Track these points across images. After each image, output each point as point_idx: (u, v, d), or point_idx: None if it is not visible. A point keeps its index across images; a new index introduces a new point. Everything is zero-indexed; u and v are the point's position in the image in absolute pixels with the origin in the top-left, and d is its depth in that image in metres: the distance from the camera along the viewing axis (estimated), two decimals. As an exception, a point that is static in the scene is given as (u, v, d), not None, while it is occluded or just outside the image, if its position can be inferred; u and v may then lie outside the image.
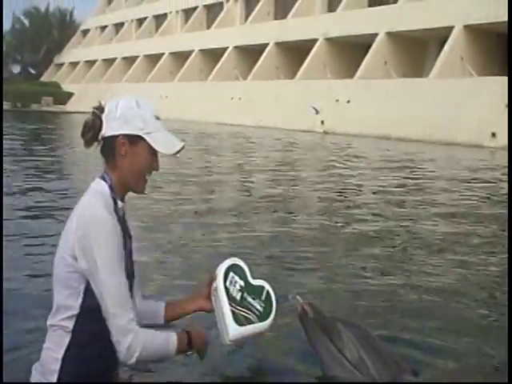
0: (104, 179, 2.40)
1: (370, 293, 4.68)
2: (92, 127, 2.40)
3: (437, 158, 21.07)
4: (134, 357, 2.22)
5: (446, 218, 8.41)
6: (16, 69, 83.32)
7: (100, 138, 2.40)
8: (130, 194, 2.51)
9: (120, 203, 2.41)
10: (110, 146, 2.38)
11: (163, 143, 2.39)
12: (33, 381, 2.39)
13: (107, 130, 2.37)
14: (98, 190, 2.36)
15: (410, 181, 13.14)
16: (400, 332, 3.72)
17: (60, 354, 2.33)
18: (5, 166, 10.96)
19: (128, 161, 2.37)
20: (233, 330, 2.50)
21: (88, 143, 2.42)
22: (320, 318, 2.78)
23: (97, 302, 2.29)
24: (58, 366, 2.33)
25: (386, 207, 9.34)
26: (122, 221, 2.40)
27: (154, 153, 2.39)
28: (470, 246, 6.55)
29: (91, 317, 2.31)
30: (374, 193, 10.97)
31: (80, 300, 2.31)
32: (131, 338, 2.21)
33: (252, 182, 12.33)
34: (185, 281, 4.63)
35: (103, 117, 2.39)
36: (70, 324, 2.33)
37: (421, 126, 28.78)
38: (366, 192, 11.34)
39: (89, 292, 2.29)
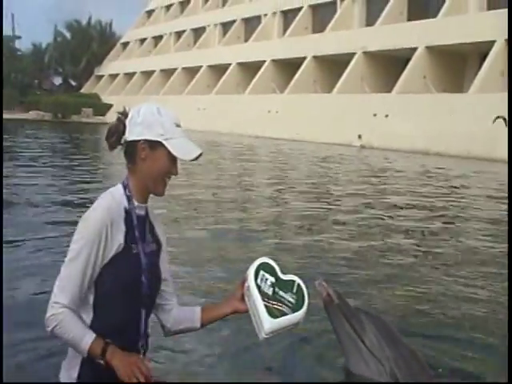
0: (124, 181, 2.55)
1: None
2: (116, 131, 2.53)
3: (472, 174, 20.78)
4: (49, 329, 2.37)
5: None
6: (57, 80, 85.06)
7: (123, 141, 2.52)
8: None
9: (136, 203, 2.51)
10: (131, 150, 2.49)
11: (181, 149, 2.47)
12: (61, 378, 2.50)
13: (129, 135, 2.49)
14: (111, 190, 2.51)
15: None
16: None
17: (79, 360, 2.44)
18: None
19: (147, 164, 2.47)
20: (267, 323, 2.56)
21: (111, 146, 2.55)
22: (344, 305, 2.88)
23: (107, 292, 2.43)
24: (79, 361, 2.43)
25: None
26: (138, 220, 2.51)
27: (173, 158, 2.48)
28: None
29: (105, 308, 2.45)
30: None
31: (93, 290, 2.45)
32: (49, 314, 2.35)
33: (286, 197, 12.33)
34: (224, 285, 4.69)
35: (127, 122, 2.51)
36: (88, 318, 2.44)
37: (461, 141, 28.43)
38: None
39: (99, 283, 2.43)
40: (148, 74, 70.23)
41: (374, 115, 34.89)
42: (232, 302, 2.70)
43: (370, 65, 41.10)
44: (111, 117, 62.99)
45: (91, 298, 2.44)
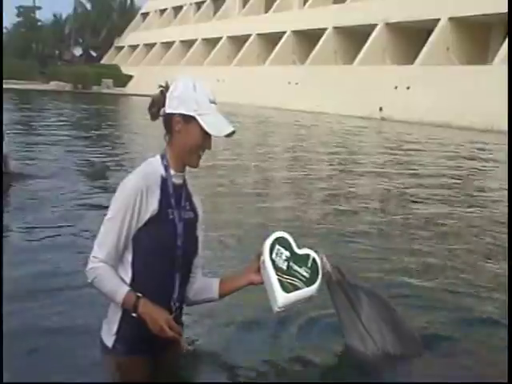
0: (162, 151, 2.70)
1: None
2: (157, 103, 2.66)
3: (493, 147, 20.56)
4: (89, 281, 2.57)
5: None
6: (78, 51, 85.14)
7: (162, 113, 2.65)
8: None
9: (173, 172, 2.65)
10: (168, 122, 2.63)
11: (213, 125, 2.57)
12: (102, 333, 2.67)
13: (167, 107, 2.61)
14: (149, 160, 2.68)
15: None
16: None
17: (119, 314, 2.61)
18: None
19: (182, 137, 2.60)
20: (281, 298, 2.63)
21: (153, 117, 2.70)
22: (344, 282, 2.91)
23: (144, 253, 2.59)
24: (118, 316, 2.61)
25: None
26: (174, 188, 2.65)
27: (206, 133, 2.58)
28: None
29: (142, 268, 2.60)
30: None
31: (131, 250, 2.61)
32: (89, 268, 2.55)
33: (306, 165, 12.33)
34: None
35: (167, 95, 2.63)
36: (127, 275, 2.61)
37: (484, 114, 28.09)
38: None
39: (136, 243, 2.59)
40: (168, 45, 70.01)
41: (396, 87, 34.55)
42: (248, 274, 2.79)
43: (391, 36, 40.60)
44: (131, 88, 63.14)
45: (130, 257, 2.60)
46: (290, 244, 2.74)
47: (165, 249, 2.60)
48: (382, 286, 3.97)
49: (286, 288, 2.64)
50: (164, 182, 2.62)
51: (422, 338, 3.14)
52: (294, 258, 2.71)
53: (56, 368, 2.83)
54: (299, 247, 2.76)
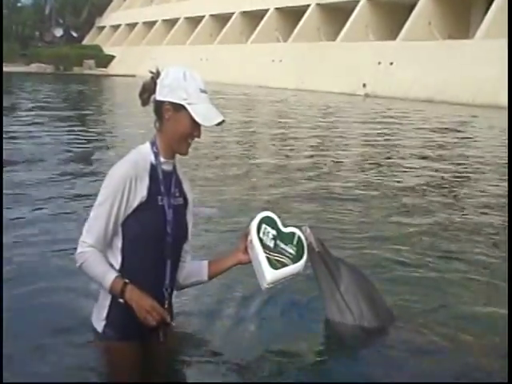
0: (152, 138, 2.72)
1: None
2: (148, 89, 2.66)
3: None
4: (77, 265, 2.59)
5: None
6: (59, 32, 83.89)
7: (152, 100, 2.65)
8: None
9: (163, 159, 2.66)
10: (158, 110, 2.63)
11: (203, 115, 2.57)
12: (92, 319, 2.71)
13: (158, 95, 2.61)
14: (139, 146, 2.69)
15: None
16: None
17: (108, 300, 2.63)
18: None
19: (171, 125, 2.61)
20: (269, 274, 2.70)
21: (143, 103, 2.69)
22: (325, 253, 3.05)
23: (133, 239, 2.61)
24: (108, 302, 2.63)
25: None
26: (164, 175, 2.66)
27: (195, 122, 2.57)
28: None
29: (131, 254, 2.62)
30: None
31: (121, 236, 2.63)
32: (78, 252, 2.58)
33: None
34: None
35: (158, 81, 2.63)
36: (117, 262, 2.63)
37: (466, 88, 28.15)
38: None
39: (126, 229, 2.61)
40: (150, 25, 69.31)
41: (379, 63, 34.50)
42: (236, 254, 2.85)
43: (374, 12, 40.45)
44: (113, 68, 62.50)
45: (119, 243, 2.62)
46: (275, 223, 2.81)
47: (154, 235, 2.62)
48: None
49: (274, 265, 2.71)
50: (153, 168, 2.64)
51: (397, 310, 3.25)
52: (281, 236, 2.79)
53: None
54: (285, 226, 2.83)
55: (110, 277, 2.52)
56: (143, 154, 2.65)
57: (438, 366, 2.96)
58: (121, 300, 2.51)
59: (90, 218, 2.60)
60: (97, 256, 2.56)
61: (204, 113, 2.57)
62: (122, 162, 2.62)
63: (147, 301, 2.50)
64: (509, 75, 23.59)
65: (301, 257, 2.79)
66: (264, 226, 2.78)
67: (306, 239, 2.88)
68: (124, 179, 2.54)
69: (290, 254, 2.76)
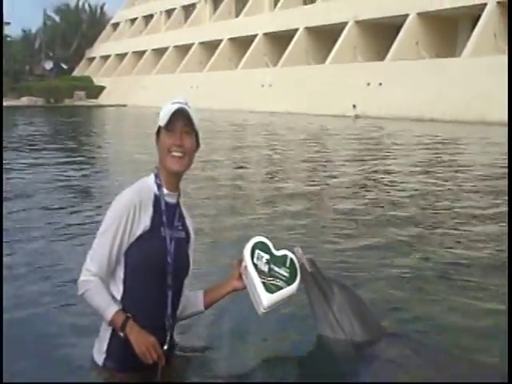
0: (156, 170, 2.77)
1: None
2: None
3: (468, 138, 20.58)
4: (79, 294, 2.60)
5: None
6: (49, 65, 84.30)
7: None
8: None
9: (166, 190, 2.69)
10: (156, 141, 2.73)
11: (162, 117, 2.62)
12: (94, 351, 2.72)
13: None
14: (144, 178, 2.74)
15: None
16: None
17: (108, 333, 2.63)
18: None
19: (159, 149, 2.69)
20: (266, 299, 2.74)
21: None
22: (317, 274, 3.06)
23: (135, 268, 2.61)
24: (108, 334, 2.63)
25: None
26: (167, 207, 2.68)
27: (168, 131, 2.62)
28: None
29: (133, 284, 2.62)
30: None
31: (123, 265, 2.64)
32: (81, 280, 2.59)
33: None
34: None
35: None
36: (119, 292, 2.63)
37: (455, 106, 28.16)
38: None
39: (128, 258, 2.62)
40: (140, 54, 69.70)
41: (368, 84, 34.59)
42: (231, 281, 2.86)
43: (362, 34, 40.71)
44: (104, 99, 62.88)
45: (121, 273, 2.62)
46: (268, 247, 2.85)
47: (156, 265, 2.62)
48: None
49: (270, 289, 2.75)
50: (157, 199, 2.66)
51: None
52: (274, 259, 2.83)
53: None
54: (276, 249, 2.87)
55: (111, 310, 2.52)
56: (147, 184, 2.69)
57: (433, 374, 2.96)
58: (121, 334, 2.52)
59: (93, 246, 2.62)
60: (99, 286, 2.56)
61: (163, 114, 2.61)
62: (126, 190, 2.66)
63: (147, 338, 2.51)
64: (509, 89, 23.58)
65: (294, 278, 2.84)
66: (257, 251, 2.81)
67: (298, 260, 2.92)
68: (128, 207, 2.57)
69: (284, 276, 2.80)
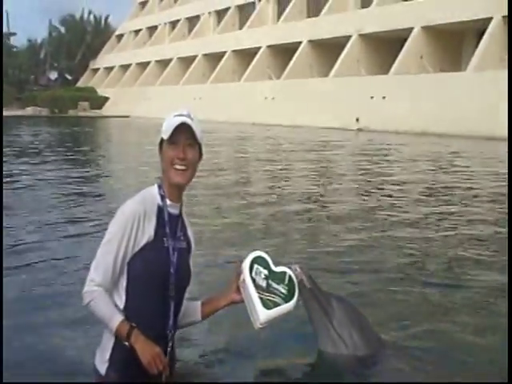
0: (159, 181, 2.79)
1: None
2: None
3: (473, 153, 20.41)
4: (84, 304, 2.60)
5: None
6: (53, 75, 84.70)
7: None
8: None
9: (169, 201, 2.71)
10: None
11: (165, 130, 2.64)
12: (96, 360, 2.71)
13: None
14: (148, 188, 2.75)
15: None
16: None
17: (111, 342, 2.64)
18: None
19: (162, 161, 2.70)
20: (262, 314, 2.76)
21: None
22: (316, 289, 3.12)
23: (138, 278, 2.62)
24: (111, 344, 2.63)
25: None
26: (170, 217, 2.70)
27: (171, 144, 2.64)
28: None
29: (136, 293, 2.63)
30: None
31: (125, 275, 2.65)
32: (85, 290, 2.59)
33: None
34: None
35: None
36: (121, 301, 2.64)
37: (459, 120, 28.01)
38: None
39: (131, 268, 2.63)
40: (143, 66, 69.82)
41: (371, 98, 34.47)
42: (228, 294, 2.90)
43: (365, 47, 40.63)
44: (107, 109, 63.14)
45: (124, 283, 2.64)
46: (267, 262, 2.87)
47: (158, 276, 2.64)
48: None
49: (267, 305, 2.77)
50: (160, 210, 2.69)
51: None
52: (272, 275, 2.85)
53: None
54: (276, 265, 2.90)
55: (116, 319, 2.53)
56: (151, 195, 2.71)
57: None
58: (126, 343, 2.52)
59: (97, 256, 2.63)
60: (104, 297, 2.57)
61: (166, 127, 2.62)
62: (131, 200, 2.68)
63: (153, 347, 2.53)
64: (509, 102, 23.43)
65: (292, 296, 2.85)
66: (256, 266, 2.83)
67: (297, 277, 2.93)
68: (133, 217, 2.59)
69: (282, 293, 2.82)
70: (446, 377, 3.15)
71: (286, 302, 2.82)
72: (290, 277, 2.89)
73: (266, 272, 2.83)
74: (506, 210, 7.33)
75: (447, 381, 3.09)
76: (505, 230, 6.99)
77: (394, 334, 3.68)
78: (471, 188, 11.21)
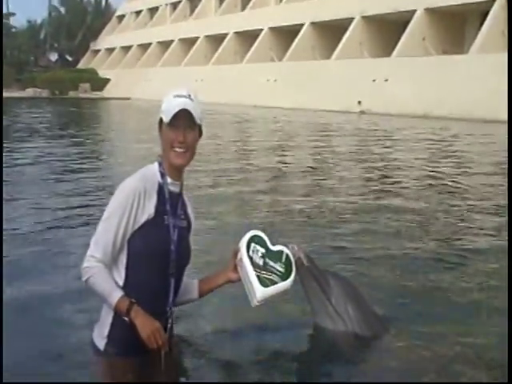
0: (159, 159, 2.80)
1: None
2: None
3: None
4: (83, 280, 2.61)
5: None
6: (54, 56, 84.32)
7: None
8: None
9: (169, 179, 2.72)
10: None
11: (165, 112, 2.65)
12: (94, 336, 2.75)
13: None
14: (148, 166, 2.77)
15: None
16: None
17: (110, 318, 2.66)
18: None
19: (161, 141, 2.73)
20: (259, 292, 2.78)
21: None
22: (313, 267, 3.15)
23: (138, 255, 2.64)
24: (110, 320, 2.66)
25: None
26: (170, 195, 2.72)
27: (172, 127, 2.65)
28: None
29: (136, 270, 2.65)
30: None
31: (126, 252, 2.66)
32: (84, 266, 2.60)
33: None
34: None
35: None
36: (121, 278, 2.65)
37: (462, 103, 27.95)
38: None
39: (131, 245, 2.64)
40: (145, 47, 69.49)
41: (374, 80, 34.36)
42: (226, 272, 2.93)
43: (368, 29, 40.41)
44: (108, 91, 62.86)
45: (124, 259, 2.65)
46: (264, 241, 2.89)
47: (159, 253, 2.66)
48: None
49: (264, 283, 2.79)
50: (161, 188, 2.70)
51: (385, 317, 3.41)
52: (270, 254, 2.87)
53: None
54: (273, 244, 2.92)
55: (116, 295, 2.55)
56: (151, 172, 2.73)
57: (432, 365, 3.02)
58: (125, 319, 2.54)
59: (97, 232, 2.64)
60: (103, 273, 2.58)
61: (167, 110, 2.63)
62: (131, 177, 2.69)
63: (152, 323, 2.54)
64: (509, 88, 23.34)
65: (289, 274, 2.87)
66: (253, 244, 2.85)
67: (295, 255, 2.96)
68: (133, 194, 2.60)
69: (279, 271, 2.84)
70: (444, 355, 3.16)
71: (283, 280, 2.84)
72: (287, 255, 2.91)
73: (263, 250, 2.86)
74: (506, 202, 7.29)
75: (446, 361, 3.09)
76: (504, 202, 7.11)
77: (391, 311, 3.69)
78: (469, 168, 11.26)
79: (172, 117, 2.62)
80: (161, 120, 2.69)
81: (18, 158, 11.15)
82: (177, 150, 2.66)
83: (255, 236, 2.90)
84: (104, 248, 2.59)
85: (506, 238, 5.62)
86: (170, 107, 2.63)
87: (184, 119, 2.64)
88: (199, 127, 2.74)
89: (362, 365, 3.13)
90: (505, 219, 6.50)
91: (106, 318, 2.67)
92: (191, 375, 2.97)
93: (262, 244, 2.88)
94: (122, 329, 2.60)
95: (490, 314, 3.75)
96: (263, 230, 2.97)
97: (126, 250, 2.65)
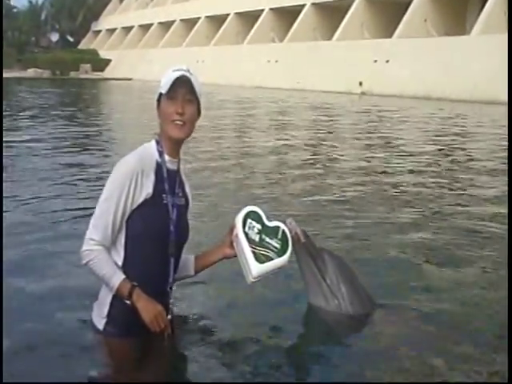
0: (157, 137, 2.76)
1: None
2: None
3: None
4: (83, 263, 2.57)
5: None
6: (55, 37, 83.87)
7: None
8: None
9: (167, 157, 2.68)
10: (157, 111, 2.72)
11: (164, 84, 2.62)
12: (93, 316, 2.71)
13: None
14: (145, 144, 2.71)
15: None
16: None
17: (109, 298, 2.62)
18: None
19: (160, 116, 2.67)
20: (255, 268, 2.76)
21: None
22: (309, 244, 3.16)
23: (137, 235, 2.60)
24: (109, 299, 2.62)
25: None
26: (169, 173, 2.67)
27: (169, 99, 2.61)
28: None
29: (134, 250, 2.62)
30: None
31: (124, 232, 2.62)
32: (84, 249, 2.56)
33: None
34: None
35: None
36: (120, 258, 2.62)
37: (463, 85, 27.94)
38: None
39: (130, 225, 2.60)
40: (146, 28, 69.20)
41: (375, 61, 34.32)
42: (222, 248, 2.90)
43: (370, 10, 40.26)
44: (109, 72, 62.48)
45: (123, 239, 2.61)
46: (260, 217, 2.86)
47: (158, 233, 2.63)
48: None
49: (260, 259, 2.77)
50: (159, 166, 2.65)
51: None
52: (266, 230, 2.84)
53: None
54: (269, 220, 2.88)
55: (117, 278, 2.53)
56: (149, 151, 2.67)
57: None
58: (127, 302, 2.52)
59: (95, 214, 2.59)
60: (104, 255, 2.55)
61: (165, 82, 2.60)
62: (128, 156, 2.63)
63: (155, 306, 2.54)
64: (509, 70, 23.34)
65: (285, 250, 2.84)
66: (249, 220, 2.82)
67: (291, 231, 2.93)
68: (131, 173, 2.55)
69: (275, 247, 2.81)
70: (437, 334, 3.16)
71: (279, 256, 2.81)
72: (283, 231, 2.88)
73: (259, 226, 2.83)
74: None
75: (439, 339, 3.09)
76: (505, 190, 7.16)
77: (386, 291, 3.65)
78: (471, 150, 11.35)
79: (171, 85, 2.58)
80: (159, 97, 2.65)
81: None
82: (176, 122, 2.62)
83: (251, 212, 2.86)
84: (103, 230, 2.55)
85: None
86: (168, 78, 2.60)
87: (183, 89, 2.60)
88: (198, 104, 2.69)
89: (354, 343, 3.12)
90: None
91: (106, 298, 2.64)
92: (191, 356, 2.92)
93: (258, 220, 2.85)
94: (122, 309, 2.58)
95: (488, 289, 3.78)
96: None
97: (125, 229, 2.61)
